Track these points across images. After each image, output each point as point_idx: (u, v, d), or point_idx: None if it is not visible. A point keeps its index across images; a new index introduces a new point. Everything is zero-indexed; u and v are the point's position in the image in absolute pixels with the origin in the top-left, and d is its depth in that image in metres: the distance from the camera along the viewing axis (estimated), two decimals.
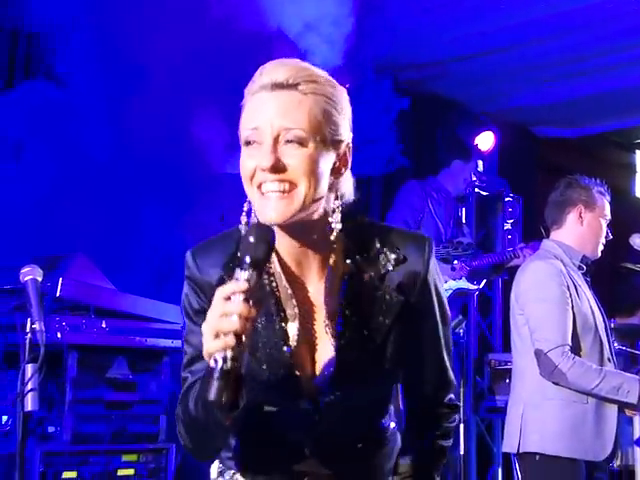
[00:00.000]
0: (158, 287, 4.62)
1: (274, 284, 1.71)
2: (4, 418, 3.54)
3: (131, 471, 3.68)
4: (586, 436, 3.39)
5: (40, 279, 2.86)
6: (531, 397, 3.51)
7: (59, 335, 3.42)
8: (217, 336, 1.42)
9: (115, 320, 3.66)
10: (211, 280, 1.68)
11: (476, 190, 5.17)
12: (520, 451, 3.49)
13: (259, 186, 1.62)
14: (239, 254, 1.49)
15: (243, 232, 1.60)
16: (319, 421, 1.72)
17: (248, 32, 4.53)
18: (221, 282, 1.58)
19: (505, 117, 6.08)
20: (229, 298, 1.42)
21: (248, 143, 1.64)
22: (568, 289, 3.47)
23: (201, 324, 1.47)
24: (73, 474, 3.51)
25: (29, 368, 2.80)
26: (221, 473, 1.86)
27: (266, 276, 1.69)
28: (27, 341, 2.87)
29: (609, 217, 3.65)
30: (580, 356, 3.41)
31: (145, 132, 4.43)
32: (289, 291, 1.70)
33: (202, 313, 1.59)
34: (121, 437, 3.70)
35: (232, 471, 1.84)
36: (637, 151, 7.88)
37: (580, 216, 3.60)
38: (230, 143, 4.66)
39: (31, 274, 2.85)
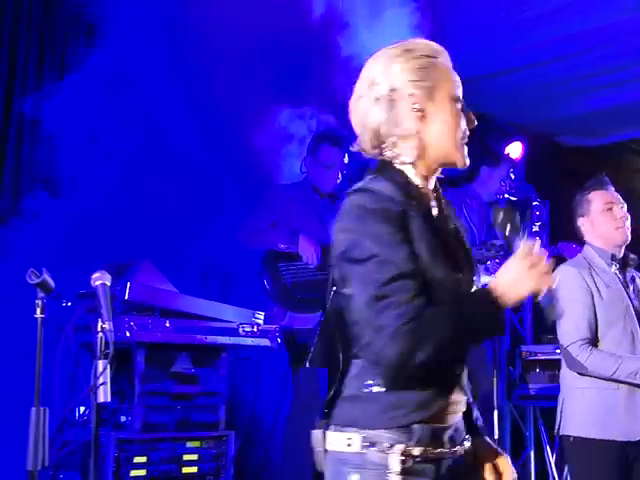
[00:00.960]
0: (221, 290, 4.62)
1: None
2: (82, 409, 3.55)
3: (195, 456, 3.64)
4: (619, 418, 3.38)
5: (109, 284, 2.84)
6: (567, 386, 3.57)
7: (128, 334, 3.41)
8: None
9: (177, 320, 3.63)
10: None
11: (506, 196, 5.10)
12: (560, 434, 3.57)
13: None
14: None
15: None
16: None
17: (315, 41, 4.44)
18: None
19: (530, 128, 6.03)
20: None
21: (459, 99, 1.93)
22: (589, 287, 3.50)
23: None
24: (143, 459, 3.48)
25: (100, 364, 2.78)
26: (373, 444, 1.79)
27: None
28: (99, 339, 2.84)
29: (612, 202, 3.62)
30: (606, 346, 3.44)
31: (212, 136, 4.35)
32: None
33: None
34: (185, 426, 3.67)
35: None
36: None
37: (583, 224, 3.65)
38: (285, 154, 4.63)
39: (101, 279, 2.85)
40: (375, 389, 1.82)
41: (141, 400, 3.55)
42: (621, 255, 3.61)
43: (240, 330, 3.78)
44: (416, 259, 1.76)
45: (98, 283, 2.85)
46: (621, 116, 6.13)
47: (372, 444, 1.78)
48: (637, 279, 3.68)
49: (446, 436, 1.86)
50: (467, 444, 1.95)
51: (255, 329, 3.82)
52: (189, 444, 3.64)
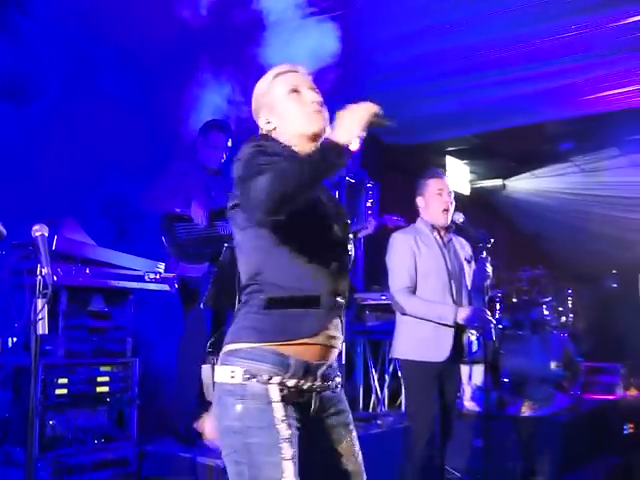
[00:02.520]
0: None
1: None
2: (14, 339, 3.50)
3: (107, 378, 3.70)
4: (429, 345, 3.56)
5: (47, 235, 2.82)
6: (397, 321, 3.72)
7: (55, 278, 3.36)
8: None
9: (95, 267, 3.65)
10: None
11: (346, 178, 5.35)
12: (391, 356, 3.75)
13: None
14: None
15: None
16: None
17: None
18: None
19: None
20: None
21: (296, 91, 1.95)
22: (412, 249, 3.61)
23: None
24: (65, 380, 3.52)
25: (40, 302, 2.76)
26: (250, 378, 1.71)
27: None
28: (38, 282, 2.81)
29: (442, 189, 3.69)
30: (423, 293, 3.58)
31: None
32: None
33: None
34: (99, 354, 3.72)
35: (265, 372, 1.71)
36: (447, 156, 8.28)
37: (420, 202, 3.73)
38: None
39: (40, 231, 2.81)
40: (260, 309, 1.75)
41: (64, 333, 3.57)
42: (446, 224, 3.68)
43: (146, 277, 3.84)
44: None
45: (38, 234, 2.81)
46: (434, 123, 6.47)
47: (252, 376, 1.71)
48: (455, 242, 3.77)
49: (319, 372, 1.80)
50: (337, 379, 1.90)
51: (157, 276, 3.88)
52: (102, 369, 3.69)
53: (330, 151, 1.66)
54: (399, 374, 3.99)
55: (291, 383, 1.74)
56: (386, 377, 5.39)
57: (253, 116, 2.04)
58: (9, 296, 3.46)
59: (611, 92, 5.89)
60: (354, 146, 1.68)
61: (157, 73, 4.33)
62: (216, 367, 1.77)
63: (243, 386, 1.70)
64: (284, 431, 1.68)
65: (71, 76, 4.22)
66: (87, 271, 3.59)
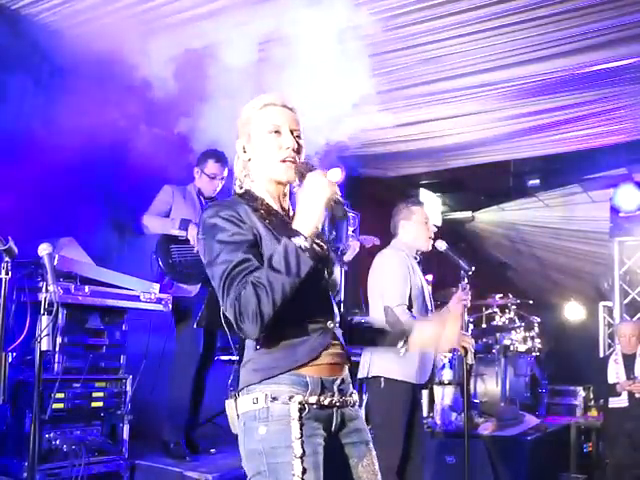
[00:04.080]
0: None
1: None
2: (14, 354, 3.48)
3: (101, 394, 3.72)
4: (414, 366, 3.53)
5: (53, 253, 2.85)
6: None
7: (61, 293, 3.39)
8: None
9: (93, 286, 3.66)
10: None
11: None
12: (369, 375, 3.57)
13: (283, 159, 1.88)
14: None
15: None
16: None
17: None
18: None
19: (343, 161, 6.14)
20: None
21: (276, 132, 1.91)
22: (408, 267, 3.62)
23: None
24: (62, 395, 3.52)
25: (45, 319, 2.77)
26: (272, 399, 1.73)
27: None
28: (43, 299, 2.82)
29: (427, 218, 3.76)
30: (412, 311, 3.55)
31: None
32: None
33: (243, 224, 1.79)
34: (95, 370, 3.72)
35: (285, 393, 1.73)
36: (421, 188, 8.40)
37: (404, 226, 3.75)
38: None
39: (47, 250, 2.83)
40: (261, 350, 1.78)
41: (61, 349, 3.58)
42: (428, 250, 3.75)
43: (141, 297, 3.86)
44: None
45: (45, 253, 2.85)
46: (409, 157, 6.62)
47: (275, 398, 1.73)
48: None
49: (335, 386, 1.82)
50: (355, 396, 1.91)
51: (152, 297, 3.91)
52: (97, 384, 3.71)
53: (298, 258, 1.66)
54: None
55: (313, 400, 1.76)
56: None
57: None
58: (10, 313, 3.45)
59: (574, 133, 6.08)
60: (335, 178, 1.79)
61: None
62: (238, 400, 1.79)
63: (266, 409, 1.73)
64: (301, 448, 1.69)
65: None
66: (86, 290, 3.61)
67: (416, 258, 3.78)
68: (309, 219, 1.71)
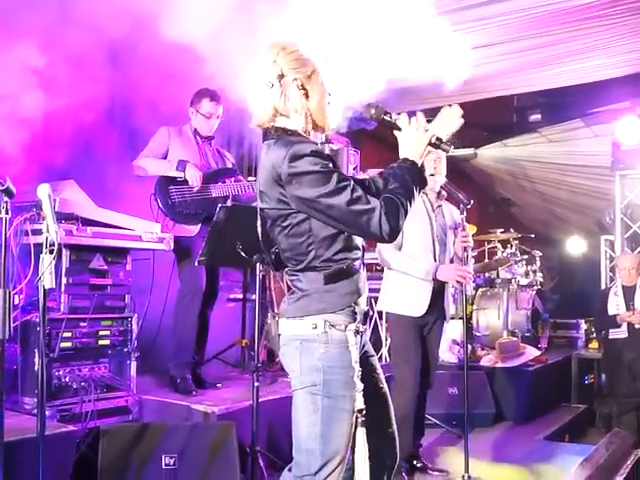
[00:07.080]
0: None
1: None
2: (21, 296, 3.49)
3: (107, 332, 3.74)
4: (409, 300, 3.65)
5: (52, 195, 2.80)
6: (384, 275, 3.81)
7: (63, 234, 3.38)
8: None
9: (95, 227, 3.63)
10: None
11: (329, 145, 5.33)
12: (377, 309, 3.92)
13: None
14: None
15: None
16: None
17: None
18: None
19: None
20: None
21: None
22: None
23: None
24: (69, 334, 3.55)
25: (47, 257, 2.75)
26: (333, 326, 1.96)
27: None
28: (45, 238, 2.80)
29: (430, 155, 3.56)
30: (409, 251, 3.62)
31: None
32: None
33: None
34: (100, 309, 3.73)
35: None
36: None
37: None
38: None
39: (46, 191, 2.80)
40: (318, 286, 1.98)
41: (67, 289, 3.58)
42: (433, 188, 3.72)
43: (143, 237, 3.84)
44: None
45: (43, 194, 2.81)
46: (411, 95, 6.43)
47: (333, 326, 1.96)
48: (445, 209, 3.80)
49: (365, 316, 2.09)
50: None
51: (154, 236, 3.89)
52: (103, 323, 3.72)
53: (415, 176, 1.98)
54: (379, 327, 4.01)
55: (360, 328, 2.02)
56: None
57: (266, 68, 1.99)
58: (13, 256, 3.45)
59: (576, 66, 5.93)
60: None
61: None
62: (293, 321, 2.00)
63: (325, 334, 1.96)
64: (358, 369, 1.96)
65: None
66: (88, 231, 3.59)
67: (430, 201, 3.74)
68: (416, 150, 2.01)
